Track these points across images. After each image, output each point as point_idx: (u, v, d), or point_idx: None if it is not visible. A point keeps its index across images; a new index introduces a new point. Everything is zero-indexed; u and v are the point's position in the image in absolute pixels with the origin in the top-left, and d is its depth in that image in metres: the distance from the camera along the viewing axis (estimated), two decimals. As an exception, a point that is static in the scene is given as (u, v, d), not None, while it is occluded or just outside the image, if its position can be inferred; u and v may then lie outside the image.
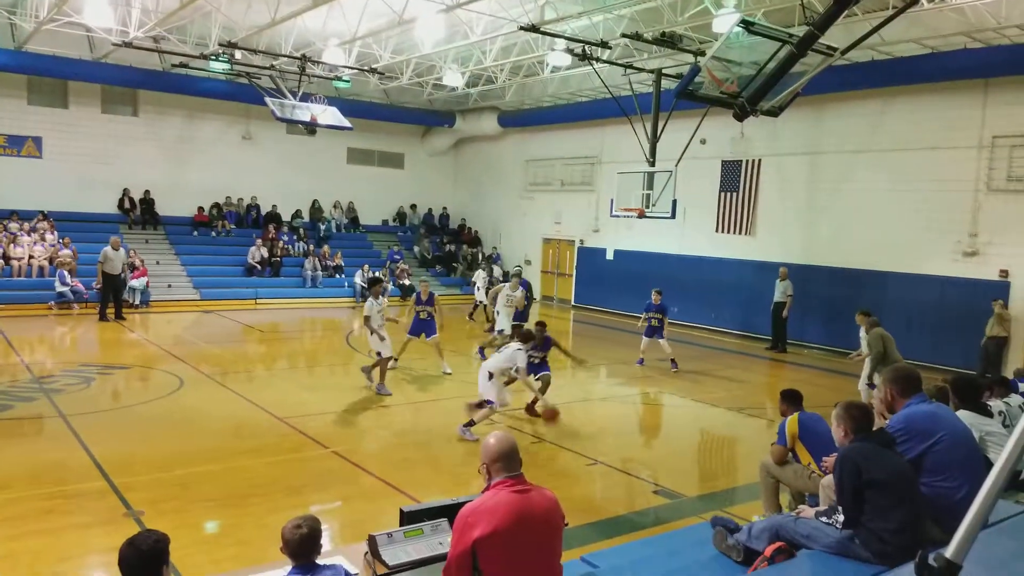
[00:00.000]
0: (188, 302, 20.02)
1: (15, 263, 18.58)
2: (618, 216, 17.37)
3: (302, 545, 3.28)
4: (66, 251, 19.08)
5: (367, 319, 11.12)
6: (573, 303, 23.94)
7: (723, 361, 15.58)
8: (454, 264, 26.40)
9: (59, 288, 18.10)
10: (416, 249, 26.49)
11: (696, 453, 9.86)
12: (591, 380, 13.82)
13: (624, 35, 14.45)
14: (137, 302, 18.89)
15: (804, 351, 16.91)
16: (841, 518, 4.01)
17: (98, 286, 17.47)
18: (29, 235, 19.39)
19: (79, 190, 21.29)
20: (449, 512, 4.09)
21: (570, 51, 15.80)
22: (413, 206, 28.13)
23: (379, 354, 11.20)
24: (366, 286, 11.15)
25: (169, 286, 20.26)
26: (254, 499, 6.96)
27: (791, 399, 6.34)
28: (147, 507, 6.50)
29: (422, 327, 12.88)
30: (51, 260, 18.94)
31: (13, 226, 19.44)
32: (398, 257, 24.98)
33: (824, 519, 4.13)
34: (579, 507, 6.80)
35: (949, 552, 2.08)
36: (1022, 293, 14.18)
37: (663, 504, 7.29)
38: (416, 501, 6.92)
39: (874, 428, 4.18)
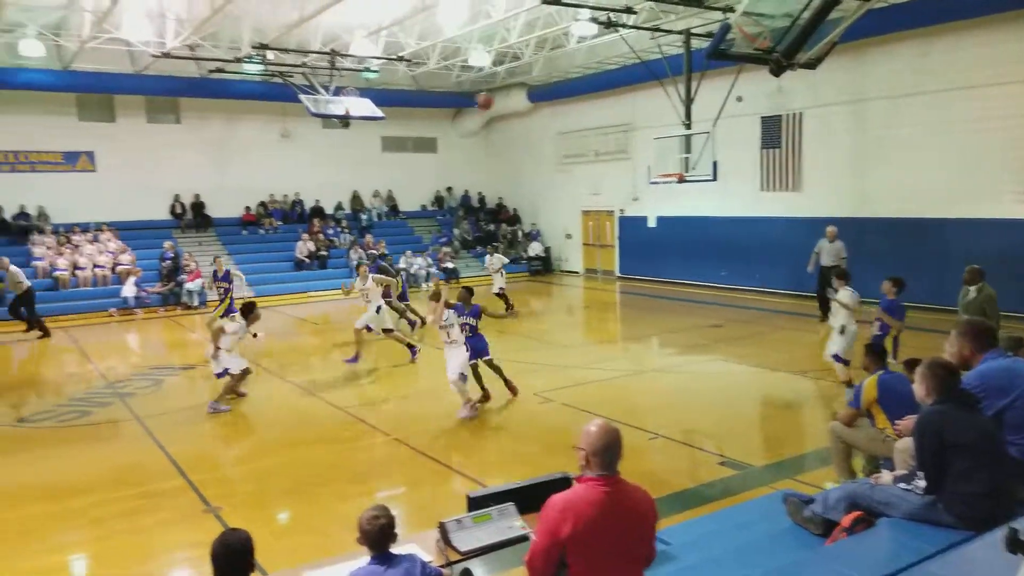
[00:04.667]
0: (242, 299, 20.52)
1: (80, 273, 19.36)
2: (657, 183, 17.20)
3: (381, 535, 3.37)
4: (127, 258, 19.80)
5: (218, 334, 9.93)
6: (618, 274, 23.86)
7: (775, 323, 15.33)
8: (494, 244, 26.51)
9: (124, 294, 18.84)
10: (456, 231, 26.68)
11: (760, 421, 9.63)
12: (644, 351, 13.83)
13: (649, -1, 14.22)
14: (195, 303, 19.52)
15: (864, 308, 16.51)
16: (922, 483, 3.85)
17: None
18: (92, 245, 20.16)
19: (132, 199, 21.98)
20: (515, 496, 4.20)
21: (595, 20, 15.59)
22: (449, 189, 28.30)
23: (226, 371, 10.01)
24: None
25: (223, 286, 20.83)
26: (322, 488, 7.22)
27: (875, 355, 6.02)
28: (223, 502, 6.82)
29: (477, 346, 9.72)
30: (113, 268, 19.69)
31: (76, 238, 20.23)
32: (444, 240, 25.24)
33: (903, 485, 3.97)
34: (643, 482, 6.79)
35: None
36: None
37: (730, 475, 7.14)
38: (480, 485, 7.04)
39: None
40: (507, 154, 28.15)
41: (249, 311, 10.01)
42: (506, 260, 18.16)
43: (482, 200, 28.58)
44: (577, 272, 25.45)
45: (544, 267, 25.72)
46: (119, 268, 19.65)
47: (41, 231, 20.28)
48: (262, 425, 9.32)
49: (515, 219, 27.59)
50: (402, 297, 15.45)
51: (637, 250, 23.09)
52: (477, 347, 9.48)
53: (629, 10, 14.84)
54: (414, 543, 3.79)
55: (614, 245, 24.00)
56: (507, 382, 9.78)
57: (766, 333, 14.28)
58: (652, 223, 22.38)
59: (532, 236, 26.09)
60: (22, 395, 11.59)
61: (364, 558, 3.43)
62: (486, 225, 27.23)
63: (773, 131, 18.44)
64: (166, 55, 17.51)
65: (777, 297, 18.44)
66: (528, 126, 26.58)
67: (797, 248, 16.87)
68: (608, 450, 3.13)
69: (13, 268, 15.92)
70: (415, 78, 24.42)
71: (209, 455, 8.24)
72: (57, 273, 19.11)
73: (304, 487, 7.25)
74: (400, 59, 19.15)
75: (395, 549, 3.43)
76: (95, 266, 19.61)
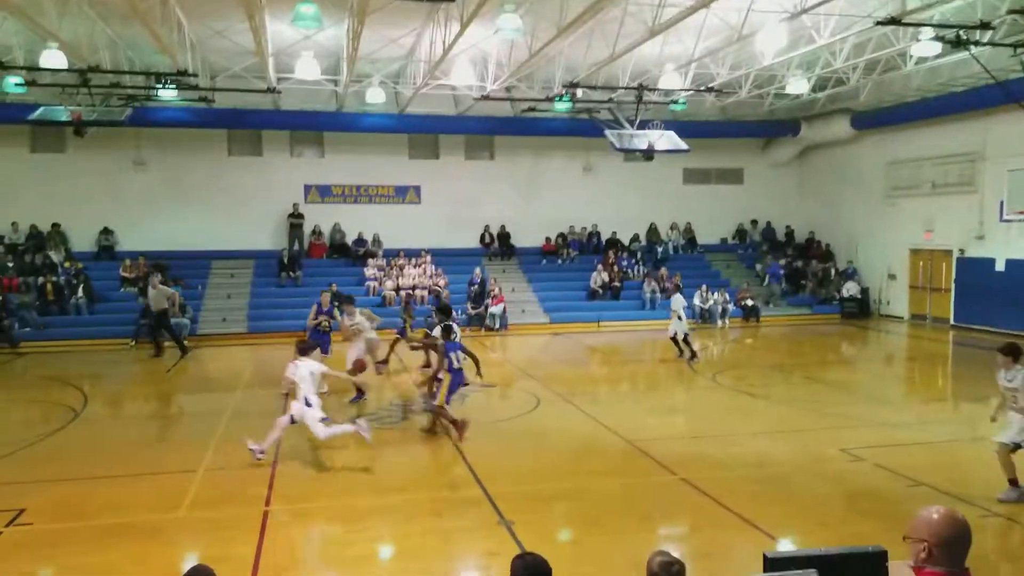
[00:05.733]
0: (539, 325, 21.60)
1: (402, 294, 21.86)
2: (1010, 220, 14.61)
3: None
4: (442, 281, 21.96)
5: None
6: (952, 322, 20.71)
7: None
8: (802, 282, 24.65)
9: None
10: (758, 267, 25.30)
11: None
12: (982, 414, 11.70)
13: (1013, 11, 12.19)
14: (497, 326, 20.95)
15: None
16: None
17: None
18: (413, 269, 22.73)
19: (449, 228, 24.38)
20: (820, 564, 3.68)
21: (940, 39, 13.80)
22: (754, 222, 27.01)
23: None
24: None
25: (523, 311, 22.09)
26: (607, 519, 7.12)
27: None
28: (516, 517, 7.01)
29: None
30: (429, 290, 21.94)
31: (401, 262, 22.97)
32: (772, 276, 24.15)
33: None
34: (978, 567, 5.69)
35: None
36: None
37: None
38: (771, 538, 6.60)
39: None
40: (823, 185, 26.11)
41: (304, 348, 9.14)
42: (685, 304, 16.29)
43: (790, 234, 26.84)
44: (901, 317, 22.61)
45: (860, 309, 23.25)
46: (434, 291, 21.79)
47: (374, 255, 23.32)
48: (553, 449, 9.52)
49: (827, 255, 25.38)
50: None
51: (978, 296, 19.81)
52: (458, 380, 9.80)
53: (985, 25, 12.89)
54: None
55: (949, 289, 20.92)
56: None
57: None
58: (1000, 266, 19.08)
59: (847, 275, 23.79)
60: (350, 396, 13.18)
61: None
62: (793, 261, 25.42)
63: None
64: (485, 97, 19.20)
65: None
66: (850, 155, 24.40)
67: None
68: (959, 542, 2.77)
69: (161, 287, 17.14)
70: (723, 108, 23.84)
71: (504, 470, 8.59)
72: (384, 292, 21.78)
73: (590, 516, 7.21)
74: (709, 90, 18.79)
75: None
76: (415, 287, 22.01)
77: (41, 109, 16.99)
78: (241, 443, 8.77)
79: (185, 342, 17.46)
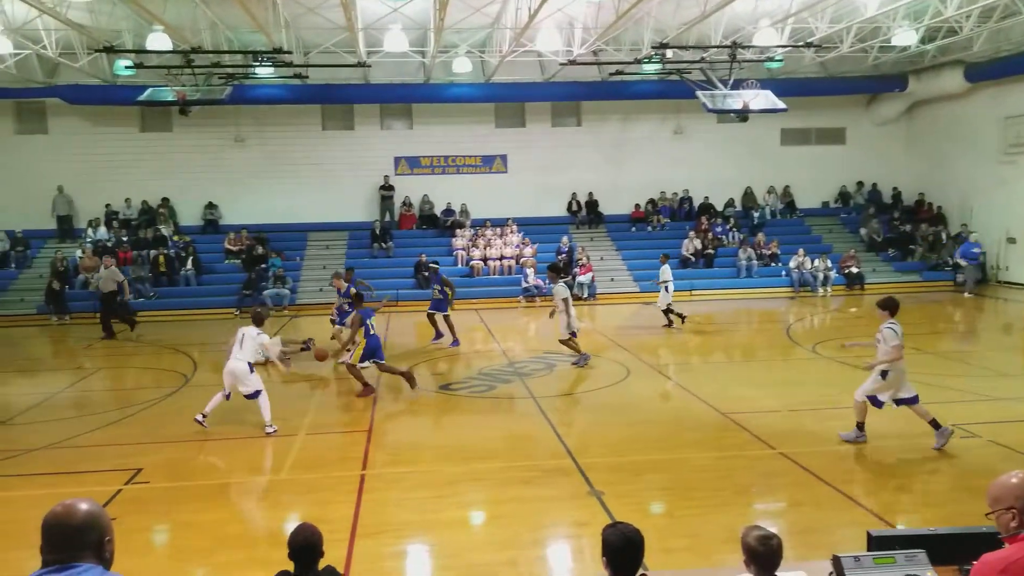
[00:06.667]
0: (628, 294, 21.30)
1: (491, 263, 22.01)
2: None
3: (772, 558, 3.17)
4: (528, 251, 21.94)
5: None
6: (1079, 289, 19.13)
7: None
8: (910, 246, 23.27)
9: (524, 284, 20.90)
10: (862, 231, 24.03)
11: None
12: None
13: None
14: (585, 295, 20.79)
15: None
16: None
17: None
18: (500, 239, 22.79)
19: (536, 197, 24.26)
20: (927, 544, 3.64)
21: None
22: (859, 184, 25.61)
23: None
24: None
25: (612, 280, 21.83)
26: (700, 492, 6.99)
27: None
28: (606, 488, 6.98)
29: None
30: (516, 259, 21.97)
31: (488, 232, 23.06)
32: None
33: None
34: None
35: None
36: None
37: None
38: (875, 516, 6.32)
39: None
40: (933, 143, 24.44)
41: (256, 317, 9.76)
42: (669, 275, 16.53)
43: (897, 196, 25.34)
44: (1021, 284, 21.07)
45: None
46: (521, 260, 21.80)
47: (462, 225, 23.49)
48: (644, 420, 9.39)
49: (938, 218, 23.83)
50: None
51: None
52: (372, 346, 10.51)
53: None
54: (802, 571, 3.56)
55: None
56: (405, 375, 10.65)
57: None
58: None
59: (961, 239, 22.31)
60: (441, 366, 13.43)
61: (744, 574, 3.26)
62: (900, 225, 24.00)
63: None
64: (572, 62, 18.85)
65: None
66: (963, 110, 22.72)
67: None
68: None
69: (113, 269, 17.16)
70: (823, 64, 22.60)
71: (593, 441, 8.54)
72: (472, 263, 21.96)
73: (682, 488, 7.09)
74: (808, 45, 17.79)
75: (780, 574, 3.21)
76: (501, 257, 22.06)
77: (149, 90, 17.85)
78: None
79: (134, 318, 17.50)
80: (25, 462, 8.30)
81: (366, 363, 10.56)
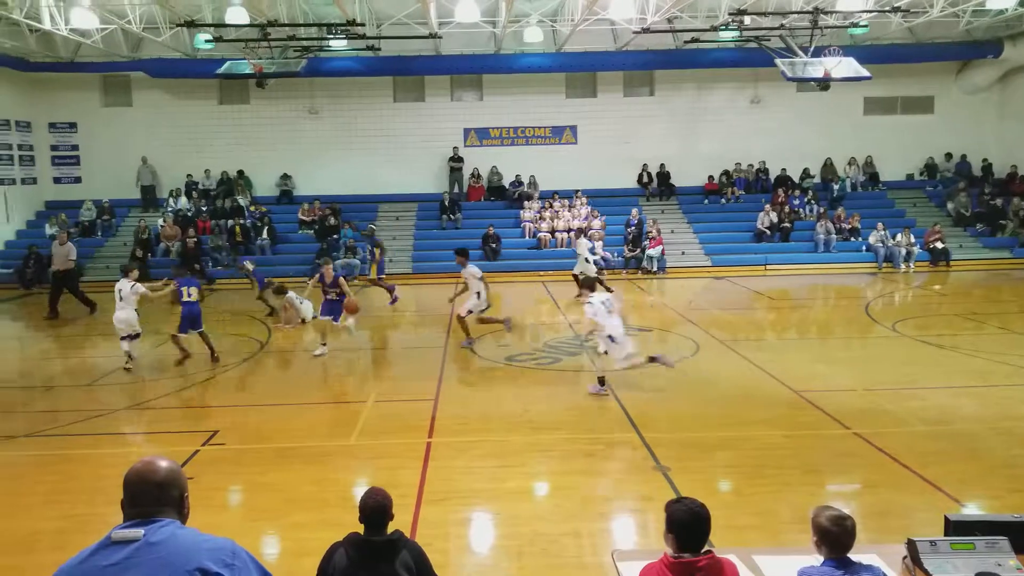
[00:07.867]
0: (700, 268, 20.88)
1: (558, 235, 21.87)
2: None
3: (845, 539, 3.09)
4: (597, 223, 21.70)
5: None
6: None
7: None
8: (1001, 221, 22.02)
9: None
10: (949, 205, 22.85)
11: None
12: None
13: None
14: (655, 269, 20.48)
15: None
16: None
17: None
18: (568, 211, 22.60)
19: (605, 168, 23.93)
20: (1011, 531, 3.55)
21: None
22: (948, 155, 24.31)
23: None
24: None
25: (683, 253, 21.43)
26: (769, 471, 6.82)
27: None
28: (672, 463, 6.89)
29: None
30: (583, 232, 21.73)
31: (556, 204, 22.89)
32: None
33: None
34: None
35: None
36: None
37: None
38: (954, 500, 6.09)
39: None
40: (1028, 113, 23.00)
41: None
42: (591, 245, 17.44)
43: (987, 169, 23.96)
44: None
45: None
46: (589, 233, 21.52)
47: (530, 197, 23.38)
48: (713, 396, 9.22)
49: (1037, 191, 22.47)
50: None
51: None
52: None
53: None
54: (874, 554, 3.47)
55: None
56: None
57: None
58: None
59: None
60: (509, 336, 13.42)
61: (814, 555, 3.18)
62: (991, 199, 22.71)
63: None
64: (645, 30, 18.36)
65: None
66: (1063, 77, 21.25)
67: None
68: None
69: (69, 244, 16.39)
70: (911, 30, 21.40)
71: (660, 416, 8.44)
72: (540, 235, 21.86)
73: (751, 467, 6.93)
74: (896, 10, 16.88)
75: (856, 557, 3.13)
76: (569, 230, 21.89)
77: (227, 63, 18.33)
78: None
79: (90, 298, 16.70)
80: (111, 422, 8.77)
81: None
